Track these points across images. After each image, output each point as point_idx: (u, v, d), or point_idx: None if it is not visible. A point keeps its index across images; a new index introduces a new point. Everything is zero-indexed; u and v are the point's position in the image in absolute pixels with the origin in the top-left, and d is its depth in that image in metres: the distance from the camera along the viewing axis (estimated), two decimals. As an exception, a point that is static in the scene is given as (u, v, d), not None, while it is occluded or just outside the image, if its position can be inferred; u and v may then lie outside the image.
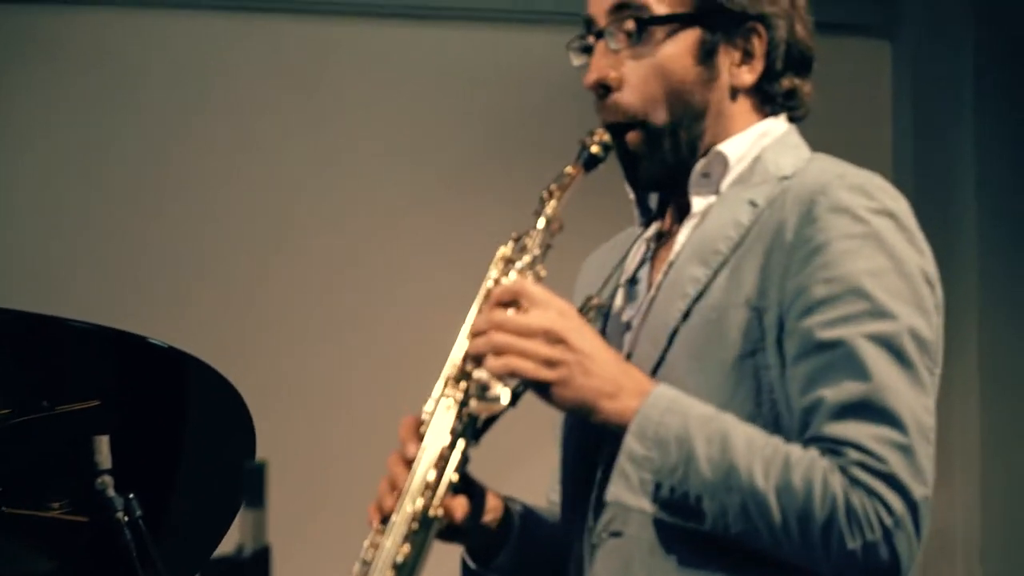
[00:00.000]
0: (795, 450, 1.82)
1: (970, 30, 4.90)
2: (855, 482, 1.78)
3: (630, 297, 2.11)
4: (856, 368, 1.82)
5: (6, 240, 4.60)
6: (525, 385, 1.88)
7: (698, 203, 2.04)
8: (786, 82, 2.09)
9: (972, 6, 4.89)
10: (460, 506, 1.93)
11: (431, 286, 4.63)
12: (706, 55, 2.04)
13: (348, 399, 4.69)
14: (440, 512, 1.88)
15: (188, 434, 2.78)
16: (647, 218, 2.15)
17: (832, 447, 1.80)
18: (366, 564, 1.89)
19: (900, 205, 1.94)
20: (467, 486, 1.97)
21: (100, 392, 2.71)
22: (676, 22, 2.03)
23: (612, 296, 2.14)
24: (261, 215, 4.76)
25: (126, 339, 2.72)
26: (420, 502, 1.89)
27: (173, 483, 2.79)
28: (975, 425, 4.82)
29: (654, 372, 1.95)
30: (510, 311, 1.89)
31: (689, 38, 2.03)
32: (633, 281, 2.11)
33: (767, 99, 2.09)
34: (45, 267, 4.59)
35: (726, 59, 2.05)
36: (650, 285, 2.07)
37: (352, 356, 4.71)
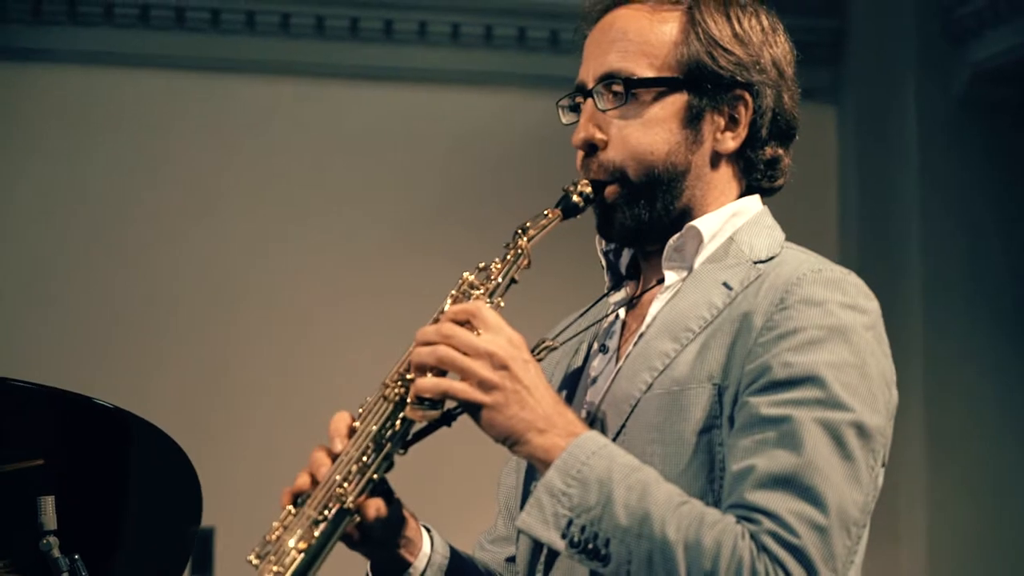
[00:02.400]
0: (712, 512, 1.83)
1: (913, 93, 4.96)
2: (763, 549, 1.79)
3: (594, 362, 2.12)
4: (794, 443, 1.83)
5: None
6: (459, 405, 1.88)
7: (670, 277, 2.06)
8: (769, 151, 2.10)
9: (915, 70, 4.95)
10: (374, 507, 1.90)
11: (385, 345, 4.63)
12: (691, 119, 2.06)
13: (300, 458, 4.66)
14: (351, 505, 1.86)
15: (133, 494, 2.75)
16: (615, 282, 2.17)
17: (749, 515, 1.81)
18: (267, 544, 1.87)
19: (872, 305, 1.95)
20: (387, 497, 1.96)
21: (44, 452, 2.67)
22: (663, 86, 2.05)
23: (576, 353, 2.15)
24: (223, 273, 4.77)
25: (71, 399, 2.69)
26: (336, 493, 1.88)
27: (118, 543, 2.75)
28: (922, 492, 4.85)
29: (615, 439, 1.96)
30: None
31: (676, 102, 2.06)
32: (603, 348, 2.12)
33: (749, 167, 2.11)
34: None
35: (711, 124, 2.07)
36: (618, 354, 2.08)
37: (309, 414, 4.69)
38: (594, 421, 2.02)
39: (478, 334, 1.89)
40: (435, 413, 1.88)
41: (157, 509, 2.77)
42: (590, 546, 1.82)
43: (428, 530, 2.09)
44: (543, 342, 2.06)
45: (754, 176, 2.11)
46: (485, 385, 1.87)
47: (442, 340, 1.89)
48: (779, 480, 1.82)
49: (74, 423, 2.71)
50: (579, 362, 2.15)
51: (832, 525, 1.81)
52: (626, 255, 2.18)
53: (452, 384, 1.87)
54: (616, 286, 2.17)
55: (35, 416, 2.73)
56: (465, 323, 1.91)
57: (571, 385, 2.13)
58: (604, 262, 2.18)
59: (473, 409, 1.88)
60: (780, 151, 2.12)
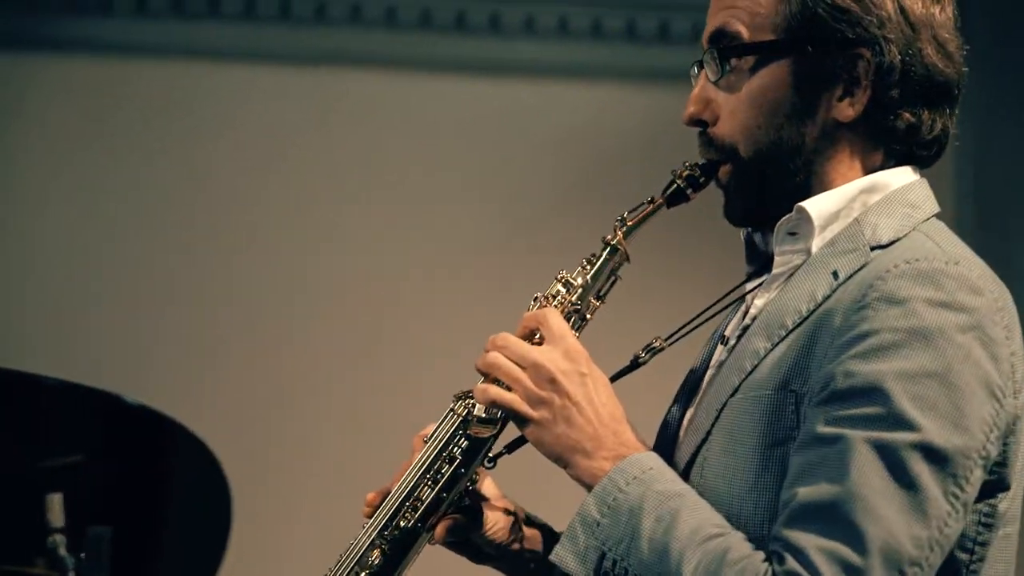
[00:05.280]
0: (739, 547, 1.69)
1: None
2: None
3: (716, 353, 1.99)
4: (839, 468, 1.66)
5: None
6: (509, 417, 1.83)
7: (780, 263, 1.89)
8: (907, 115, 1.85)
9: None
10: (443, 527, 1.90)
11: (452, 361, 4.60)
12: (800, 86, 1.86)
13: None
14: (408, 525, 1.86)
15: (161, 495, 2.76)
16: (757, 264, 1.99)
17: (779, 550, 1.66)
18: (341, 557, 1.89)
19: (978, 301, 1.72)
20: (471, 513, 1.94)
21: (74, 448, 2.70)
22: (764, 50, 1.86)
23: (709, 343, 2.03)
24: (281, 272, 4.76)
25: (99, 396, 2.71)
26: (398, 511, 1.88)
27: (145, 544, 2.77)
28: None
29: (701, 444, 1.84)
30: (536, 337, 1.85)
31: (781, 67, 1.86)
32: (722, 339, 1.98)
33: (884, 135, 1.87)
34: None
35: (824, 91, 1.86)
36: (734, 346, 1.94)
37: (376, 430, 4.69)
38: (693, 425, 1.89)
39: (540, 342, 1.81)
40: (491, 429, 1.84)
41: (184, 509, 2.78)
42: None
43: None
44: (652, 343, 1.97)
45: (893, 146, 1.88)
46: (532, 399, 1.79)
47: (496, 347, 1.82)
48: (814, 512, 1.65)
49: (102, 420, 2.73)
50: (707, 354, 2.01)
51: (871, 566, 1.62)
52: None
53: (500, 394, 1.80)
54: (759, 271, 1.98)
55: (63, 413, 2.76)
56: (535, 330, 1.84)
57: (696, 379, 1.99)
58: (744, 237, 2.00)
59: (521, 423, 1.80)
60: (925, 114, 1.85)
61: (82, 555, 2.45)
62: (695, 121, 1.92)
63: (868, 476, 1.65)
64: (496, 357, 1.82)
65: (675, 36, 4.84)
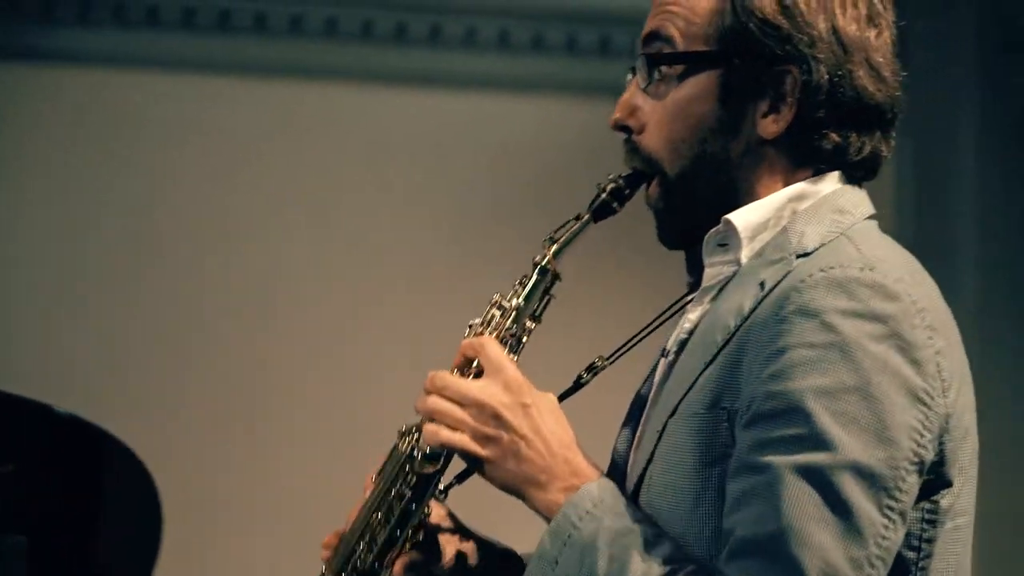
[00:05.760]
0: None
1: (972, 105, 4.80)
2: None
3: (659, 366, 1.97)
4: (771, 500, 1.65)
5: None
6: (459, 455, 1.81)
7: (710, 276, 1.87)
8: (834, 136, 1.83)
9: (975, 81, 4.79)
10: (404, 563, 1.89)
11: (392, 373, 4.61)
12: (726, 99, 1.84)
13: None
14: (366, 566, 1.86)
15: (89, 506, 2.74)
16: (696, 275, 1.95)
17: None
18: None
19: (891, 307, 1.70)
20: (427, 549, 1.93)
21: (2, 458, 2.67)
22: (691, 61, 1.85)
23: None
24: (251, 282, 4.74)
25: (29, 406, 2.69)
26: (354, 552, 1.88)
27: (71, 554, 2.74)
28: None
29: (647, 466, 1.82)
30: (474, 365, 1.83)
31: (709, 79, 1.84)
32: (663, 352, 1.95)
33: (807, 155, 1.85)
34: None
35: (750, 106, 1.84)
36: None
37: (342, 429, 4.67)
38: (640, 445, 1.88)
39: (480, 373, 1.80)
40: (436, 464, 1.83)
41: (113, 518, 2.76)
42: None
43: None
44: (594, 363, 1.97)
45: (819, 166, 1.86)
46: (479, 438, 1.77)
47: (436, 390, 1.80)
48: (753, 547, 1.65)
49: (34, 431, 2.71)
50: (651, 370, 1.99)
51: None
52: None
53: (450, 436, 1.78)
54: (697, 283, 1.94)
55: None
56: (473, 360, 1.82)
57: (643, 397, 1.97)
58: (685, 256, 1.97)
59: (471, 463, 1.79)
60: (853, 136, 1.83)
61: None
62: (621, 127, 1.90)
63: (799, 504, 1.64)
64: (437, 402, 1.79)
65: (615, 50, 4.85)
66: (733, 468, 1.70)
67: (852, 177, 1.88)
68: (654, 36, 1.88)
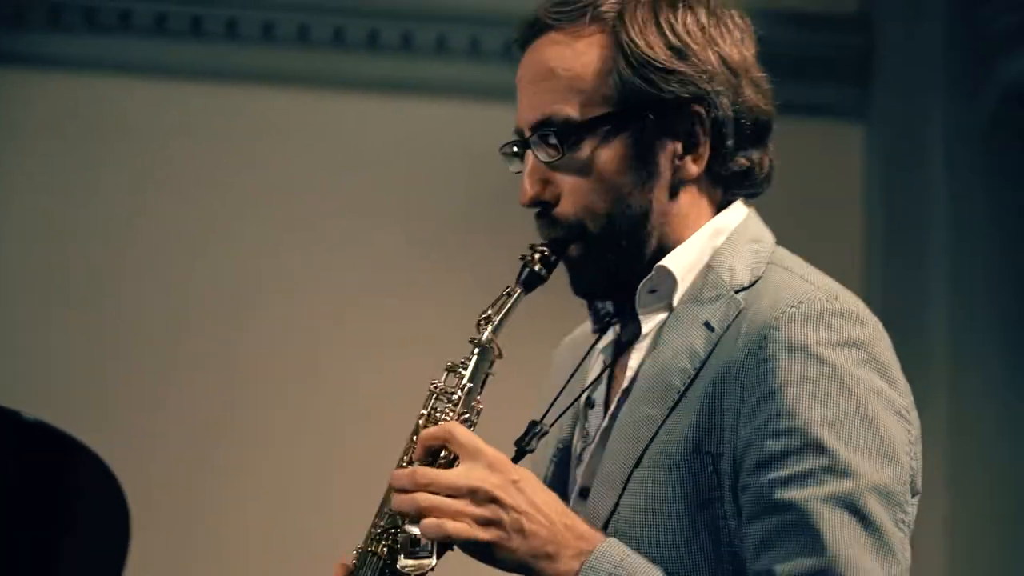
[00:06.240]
0: None
1: (941, 111, 4.80)
2: None
3: (584, 420, 1.97)
4: (811, 537, 1.68)
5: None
6: (461, 545, 1.76)
7: (648, 323, 1.88)
8: (741, 160, 1.89)
9: (944, 88, 4.80)
10: None
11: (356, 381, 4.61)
12: (643, 154, 1.86)
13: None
14: None
15: (57, 513, 2.72)
16: (602, 324, 1.99)
17: None
18: None
19: (867, 332, 1.77)
20: None
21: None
22: (599, 126, 1.85)
23: (565, 415, 2.00)
24: (226, 289, 4.73)
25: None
26: None
27: (37, 561, 2.73)
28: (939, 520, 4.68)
29: (609, 519, 1.83)
30: (442, 457, 1.79)
31: (621, 139, 1.85)
32: (589, 403, 1.97)
33: (722, 182, 1.90)
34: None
35: (666, 153, 1.87)
36: (606, 409, 1.93)
37: (314, 438, 4.66)
38: (588, 499, 1.88)
39: (455, 459, 1.77)
40: (431, 562, 1.77)
41: (81, 526, 2.74)
42: None
43: None
44: (532, 428, 1.93)
45: (732, 190, 1.91)
46: (481, 523, 1.74)
47: (419, 488, 1.75)
48: None
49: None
50: (573, 422, 1.99)
51: None
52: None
53: (456, 527, 1.73)
54: (603, 330, 1.98)
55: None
56: (441, 449, 1.79)
57: (570, 446, 1.98)
58: (588, 305, 1.99)
59: (477, 549, 1.75)
60: (755, 154, 1.90)
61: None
62: (538, 203, 1.90)
63: (838, 532, 1.68)
64: (429, 498, 1.74)
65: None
66: (751, 511, 1.72)
67: (750, 196, 1.93)
68: (547, 123, 1.87)
